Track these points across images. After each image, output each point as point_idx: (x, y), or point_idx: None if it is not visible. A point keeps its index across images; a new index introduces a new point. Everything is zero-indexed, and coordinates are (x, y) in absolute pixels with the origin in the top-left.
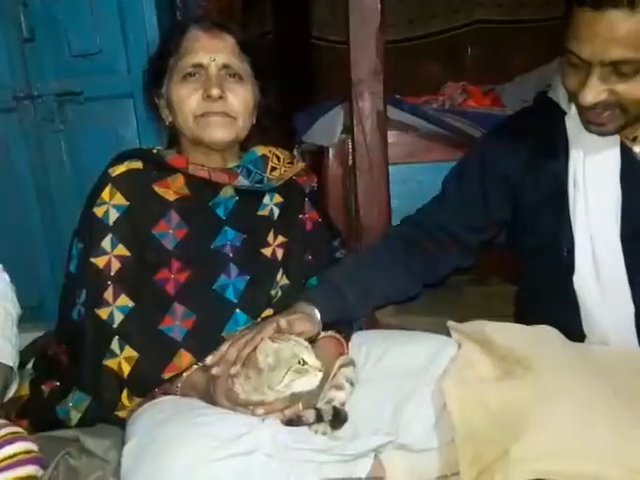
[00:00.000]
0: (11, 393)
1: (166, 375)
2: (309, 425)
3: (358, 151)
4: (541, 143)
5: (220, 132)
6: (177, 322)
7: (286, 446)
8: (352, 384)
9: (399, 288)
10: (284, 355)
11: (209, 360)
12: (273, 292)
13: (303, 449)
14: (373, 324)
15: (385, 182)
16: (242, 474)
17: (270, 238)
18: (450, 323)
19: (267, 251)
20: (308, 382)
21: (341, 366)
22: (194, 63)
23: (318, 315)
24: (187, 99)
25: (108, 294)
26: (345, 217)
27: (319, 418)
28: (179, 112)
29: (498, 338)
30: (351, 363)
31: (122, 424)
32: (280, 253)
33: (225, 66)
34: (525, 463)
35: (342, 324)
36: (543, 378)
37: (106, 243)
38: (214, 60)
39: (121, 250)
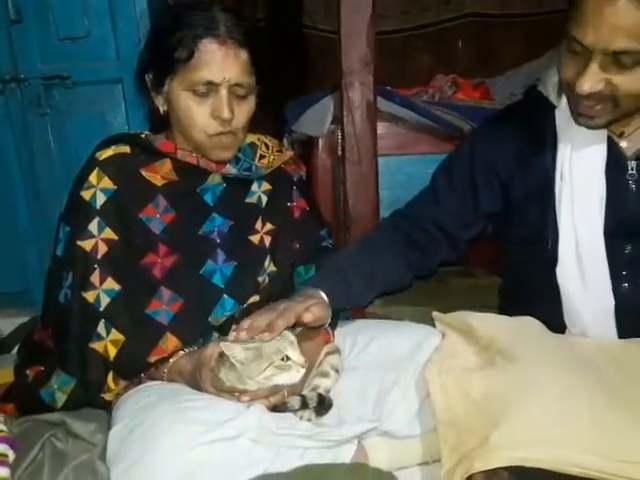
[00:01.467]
0: None
1: (152, 359)
2: (294, 411)
3: (347, 142)
4: (530, 136)
5: (227, 153)
6: (164, 306)
7: (271, 432)
8: (337, 372)
9: (397, 277)
10: (267, 350)
11: (231, 335)
12: (260, 279)
13: (288, 435)
14: (360, 314)
15: (374, 173)
16: (227, 458)
17: (258, 225)
18: (434, 314)
19: (255, 238)
20: (289, 377)
21: (327, 354)
22: (207, 81)
23: (327, 301)
24: (195, 114)
25: (95, 277)
26: (334, 208)
27: (304, 405)
28: (186, 123)
29: (481, 328)
30: (337, 351)
31: (108, 408)
32: (268, 240)
33: (236, 84)
34: (504, 450)
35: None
36: (524, 368)
37: (93, 226)
38: (227, 80)
39: (108, 234)
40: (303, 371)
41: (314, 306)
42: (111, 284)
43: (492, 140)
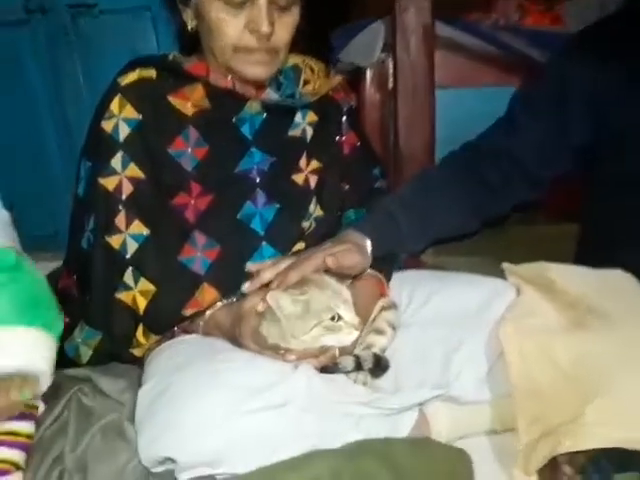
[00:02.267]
0: None
1: (187, 312)
2: (346, 373)
3: (400, 72)
4: (637, 51)
5: (263, 70)
6: (198, 253)
7: (322, 397)
8: (394, 329)
9: (458, 222)
10: (315, 306)
11: (246, 287)
12: (305, 224)
13: (341, 401)
14: (414, 263)
15: (430, 108)
16: (270, 431)
17: (302, 163)
18: (506, 265)
19: (299, 178)
20: (339, 339)
21: (382, 309)
22: None
23: (369, 247)
24: (227, 27)
25: (119, 220)
26: (382, 148)
27: (358, 366)
28: (215, 37)
29: (565, 283)
30: (393, 306)
31: (139, 363)
32: (313, 180)
33: None
34: (600, 428)
35: (382, 261)
36: (622, 330)
37: (116, 162)
38: None
39: (133, 171)
40: (356, 334)
41: (343, 252)
42: (138, 228)
43: (591, 63)
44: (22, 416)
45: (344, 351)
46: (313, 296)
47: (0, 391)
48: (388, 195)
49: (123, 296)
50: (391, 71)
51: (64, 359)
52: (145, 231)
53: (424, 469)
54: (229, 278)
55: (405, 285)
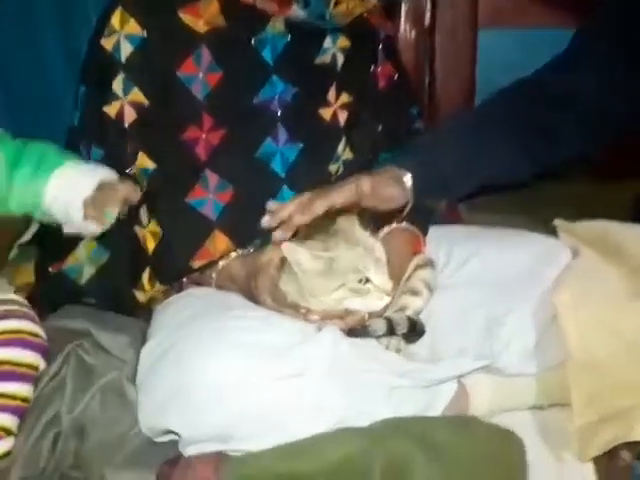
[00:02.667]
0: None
1: (196, 263)
2: (377, 338)
3: (439, 7)
4: None
5: None
6: (210, 195)
7: (349, 364)
8: (430, 290)
9: (509, 166)
10: (341, 265)
11: (265, 221)
12: (332, 167)
13: (371, 370)
14: (452, 217)
15: (471, 49)
16: (288, 403)
17: (331, 95)
18: (559, 222)
19: (326, 113)
20: (366, 305)
21: (417, 267)
22: None
23: (410, 182)
24: None
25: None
26: (417, 92)
27: (390, 330)
28: None
29: (630, 244)
30: (429, 264)
31: (143, 316)
32: (343, 117)
33: None
34: None
35: (418, 213)
36: None
37: (117, 85)
38: None
39: (136, 95)
40: (387, 300)
41: (380, 181)
42: (144, 161)
43: None
44: (16, 377)
45: (374, 313)
46: (340, 253)
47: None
48: (430, 131)
49: (138, 231)
50: (428, 6)
51: (62, 290)
52: (151, 165)
53: (467, 452)
54: (244, 225)
55: (443, 242)
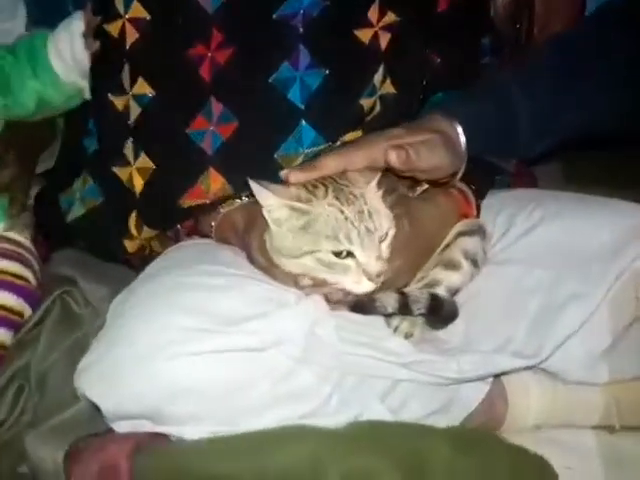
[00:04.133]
0: None
1: (184, 202)
2: (386, 316)
3: None
4: None
5: None
6: (211, 126)
7: (332, 346)
8: (476, 264)
9: (600, 116)
10: (318, 225)
11: (283, 174)
12: (366, 102)
13: (369, 356)
14: (523, 182)
15: None
16: (239, 382)
17: (372, 14)
18: None
19: (364, 34)
20: (343, 282)
21: (460, 234)
22: None
23: (463, 140)
24: None
25: (125, 76)
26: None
27: (403, 308)
28: None
29: None
30: (479, 232)
31: (135, 266)
32: (385, 39)
33: None
34: None
35: (476, 170)
36: None
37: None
38: None
39: (137, 10)
40: (369, 287)
41: (420, 145)
42: (143, 88)
43: None
44: None
45: (387, 284)
46: (321, 210)
47: None
48: (500, 73)
49: (119, 171)
50: None
51: (56, 215)
52: (150, 92)
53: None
54: (244, 165)
55: (505, 207)
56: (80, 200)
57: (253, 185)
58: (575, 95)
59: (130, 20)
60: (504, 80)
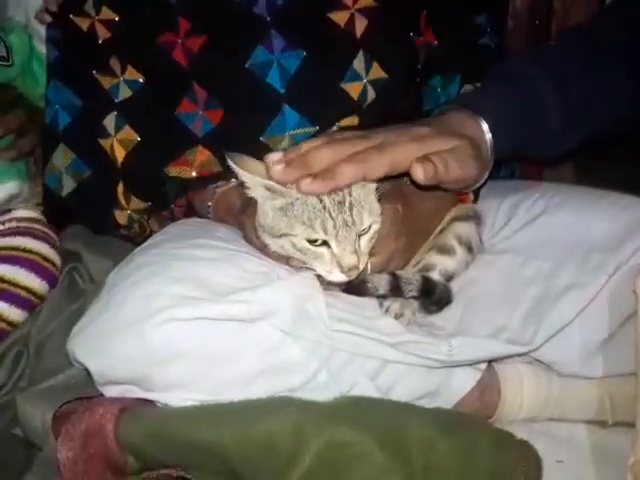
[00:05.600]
0: None
1: (171, 170)
2: (378, 297)
3: None
4: None
5: None
6: (199, 110)
7: (320, 321)
8: (470, 250)
9: (630, 102)
10: (296, 210)
11: (273, 155)
12: (349, 87)
13: (358, 334)
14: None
15: None
16: (226, 350)
17: None
18: None
19: (339, 17)
20: (317, 266)
21: (454, 219)
22: None
23: (489, 140)
24: None
25: (114, 63)
26: None
27: (395, 289)
28: None
29: None
30: (474, 217)
31: (125, 235)
32: (362, 24)
33: None
34: None
35: None
36: None
37: (88, 6)
38: None
39: (107, 13)
40: (340, 278)
41: (449, 156)
42: (132, 74)
43: None
44: (7, 296)
45: (379, 268)
46: (301, 195)
47: None
48: (530, 58)
49: (102, 142)
50: None
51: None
52: (141, 78)
53: (445, 464)
54: (233, 149)
55: (508, 197)
56: (68, 175)
57: (229, 161)
58: (605, 82)
59: (100, 21)
60: (531, 69)
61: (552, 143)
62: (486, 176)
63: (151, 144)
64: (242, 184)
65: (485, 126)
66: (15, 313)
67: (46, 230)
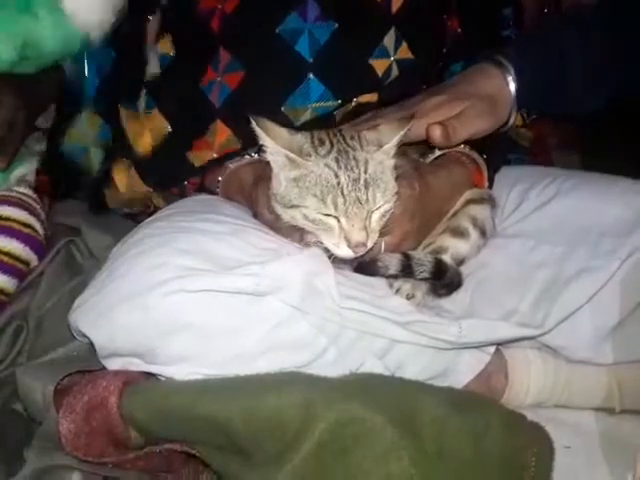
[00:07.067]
0: None
1: (192, 155)
2: (388, 278)
3: None
4: None
5: None
6: (218, 76)
7: (330, 299)
8: (483, 233)
9: None
10: (308, 182)
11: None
12: (377, 63)
13: (367, 312)
14: (539, 158)
15: None
16: (232, 323)
17: None
18: None
19: None
20: (325, 242)
21: (469, 202)
22: None
23: (513, 89)
24: None
25: (150, 27)
26: None
27: (406, 270)
28: None
29: None
30: (488, 200)
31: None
32: (398, 1)
33: None
34: None
35: (490, 143)
36: None
37: None
38: None
39: None
40: (348, 254)
41: (469, 114)
42: (165, 47)
43: None
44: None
45: (391, 248)
46: (314, 169)
47: None
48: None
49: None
50: None
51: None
52: (172, 51)
53: (458, 443)
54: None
55: (519, 181)
56: (94, 145)
57: (253, 123)
58: (629, 44)
59: None
60: (557, 32)
61: (575, 102)
62: (511, 122)
63: (176, 131)
64: (261, 148)
65: (509, 77)
66: (2, 280)
67: (23, 198)
